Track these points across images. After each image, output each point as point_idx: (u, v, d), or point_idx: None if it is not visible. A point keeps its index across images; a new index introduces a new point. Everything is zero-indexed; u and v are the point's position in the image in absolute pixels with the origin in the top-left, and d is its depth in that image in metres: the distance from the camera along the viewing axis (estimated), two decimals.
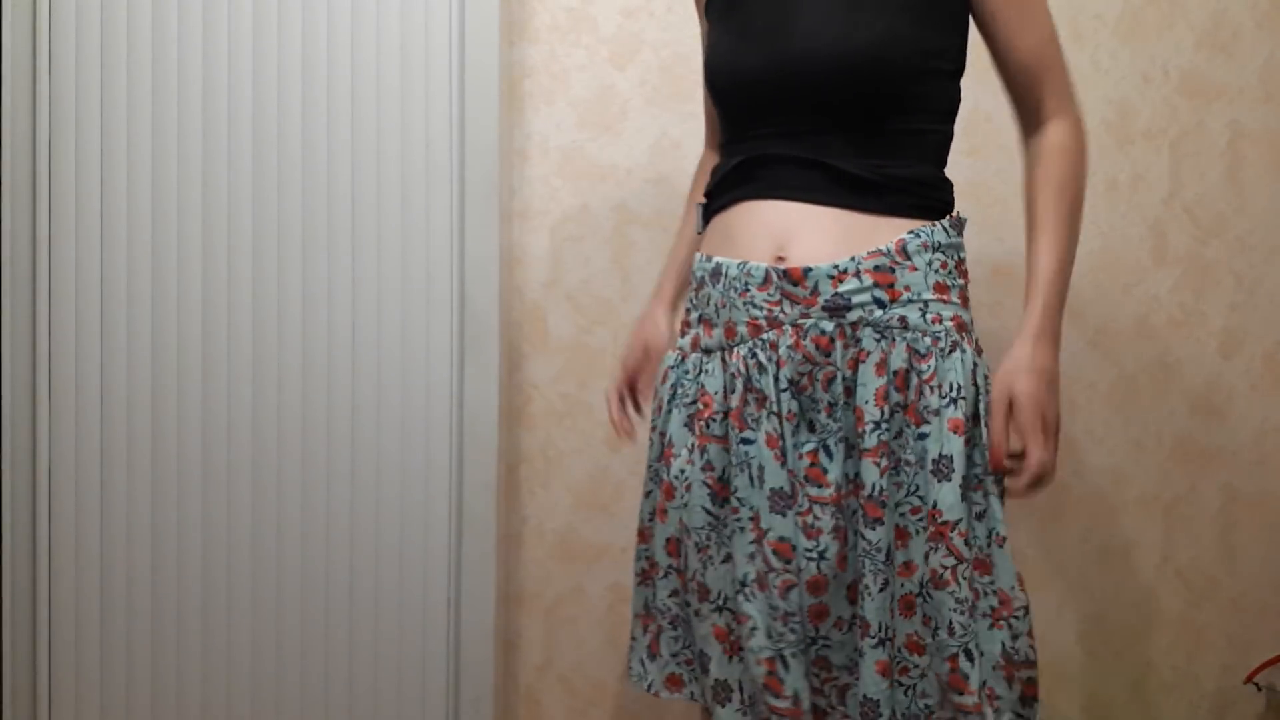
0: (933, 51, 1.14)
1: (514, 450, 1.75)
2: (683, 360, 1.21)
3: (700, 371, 1.18)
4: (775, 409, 1.11)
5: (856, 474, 1.11)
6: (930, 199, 1.15)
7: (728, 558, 1.15)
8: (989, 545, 1.09)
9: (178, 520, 1.61)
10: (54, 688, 1.61)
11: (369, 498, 1.62)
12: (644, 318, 1.38)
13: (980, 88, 1.70)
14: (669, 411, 1.20)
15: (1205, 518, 1.76)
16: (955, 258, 1.14)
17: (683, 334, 1.24)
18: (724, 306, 1.15)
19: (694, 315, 1.22)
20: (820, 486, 1.11)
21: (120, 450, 1.60)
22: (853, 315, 1.10)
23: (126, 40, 1.58)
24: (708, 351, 1.18)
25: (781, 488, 1.10)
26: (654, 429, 1.23)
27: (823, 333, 1.10)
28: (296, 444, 1.61)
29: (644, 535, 1.25)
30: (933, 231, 1.12)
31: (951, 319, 1.11)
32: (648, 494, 1.24)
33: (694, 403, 1.18)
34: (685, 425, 1.18)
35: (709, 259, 1.19)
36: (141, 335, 1.60)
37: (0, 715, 1.60)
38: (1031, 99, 1.15)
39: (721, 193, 1.20)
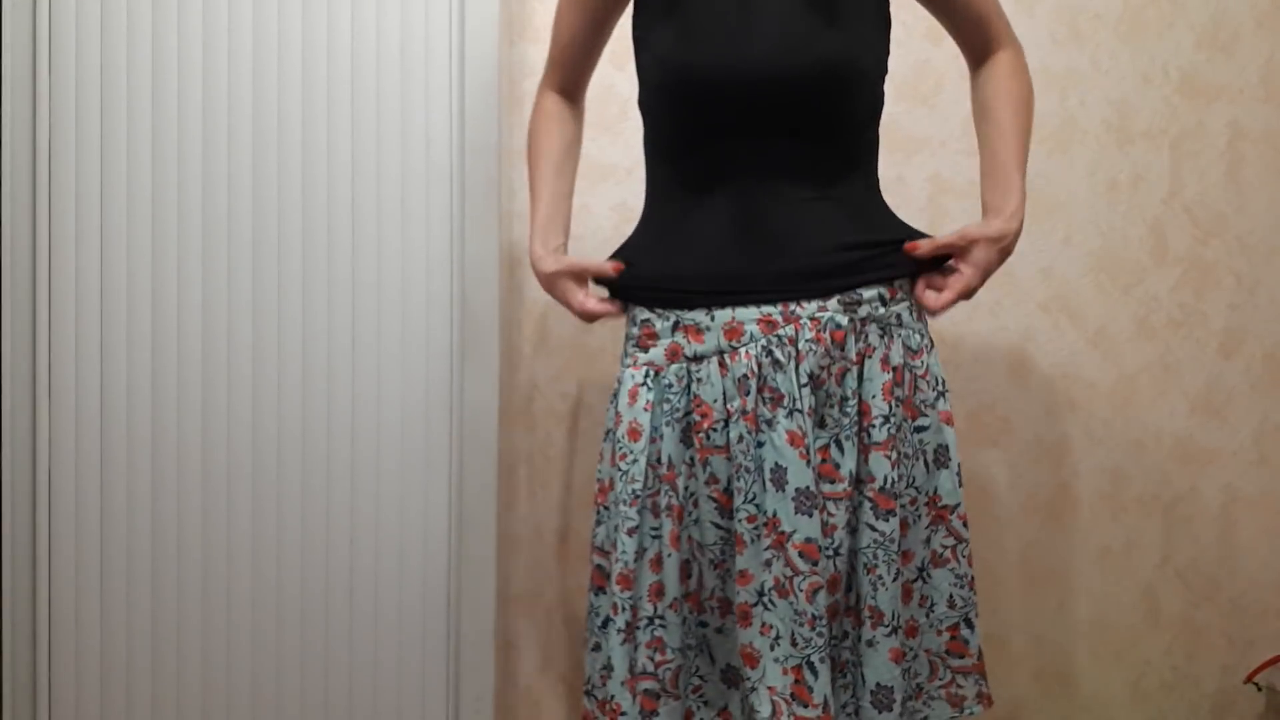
0: (884, 58, 1.19)
1: (514, 450, 1.75)
2: (658, 375, 1.15)
3: (690, 381, 1.14)
4: (798, 405, 1.10)
5: (863, 467, 1.14)
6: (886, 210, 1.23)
7: (741, 574, 1.12)
8: None
9: (178, 521, 1.61)
10: (54, 688, 1.61)
11: (369, 498, 1.62)
12: (550, 266, 1.26)
13: None
14: (660, 433, 1.14)
15: (1205, 518, 1.76)
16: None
17: (643, 348, 1.17)
18: (723, 307, 1.14)
19: (662, 324, 1.16)
20: (833, 482, 1.12)
21: (120, 451, 1.60)
22: (863, 311, 1.14)
23: (126, 41, 1.58)
24: (697, 359, 1.14)
25: (807, 487, 1.09)
26: (624, 457, 1.15)
27: (839, 326, 1.12)
28: (296, 444, 1.61)
29: (627, 580, 1.14)
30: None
31: (924, 319, 1.21)
32: (631, 530, 1.14)
33: (687, 415, 1.14)
34: (681, 441, 1.15)
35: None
36: (141, 335, 1.60)
37: (0, 715, 1.60)
38: (981, 40, 1.23)
39: (681, 196, 1.18)
